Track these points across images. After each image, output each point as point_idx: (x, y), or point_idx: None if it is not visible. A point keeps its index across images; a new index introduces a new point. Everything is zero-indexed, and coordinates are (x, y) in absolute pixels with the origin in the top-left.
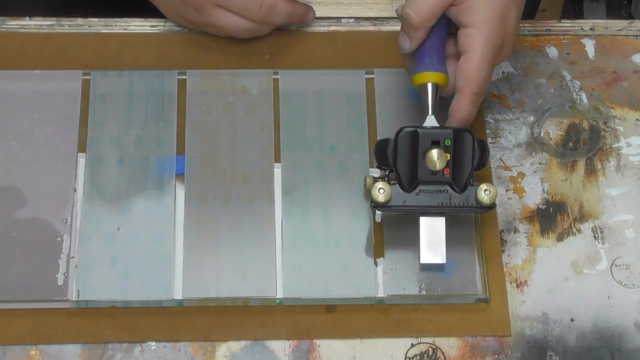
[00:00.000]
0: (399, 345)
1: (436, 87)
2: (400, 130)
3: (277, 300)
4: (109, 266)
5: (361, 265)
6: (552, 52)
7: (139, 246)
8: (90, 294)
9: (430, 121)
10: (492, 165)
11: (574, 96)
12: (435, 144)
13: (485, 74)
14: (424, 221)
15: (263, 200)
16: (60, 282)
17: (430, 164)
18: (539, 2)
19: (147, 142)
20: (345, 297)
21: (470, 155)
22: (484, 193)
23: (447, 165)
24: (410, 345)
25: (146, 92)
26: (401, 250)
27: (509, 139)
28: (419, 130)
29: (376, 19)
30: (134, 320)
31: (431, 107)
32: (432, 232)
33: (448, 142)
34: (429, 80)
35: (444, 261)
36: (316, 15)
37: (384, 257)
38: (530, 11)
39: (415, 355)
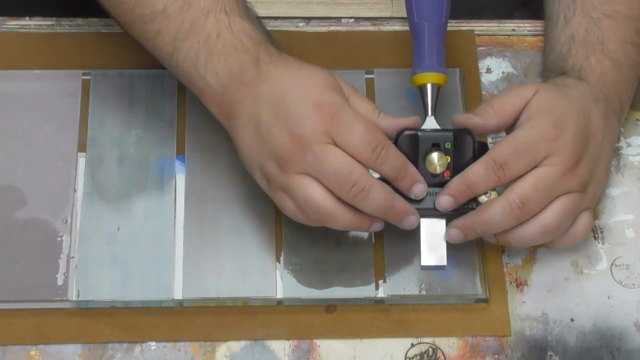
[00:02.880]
0: (399, 345)
1: (436, 88)
2: (400, 133)
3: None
4: (109, 266)
5: (361, 265)
6: None
7: (139, 246)
8: (90, 294)
9: (430, 122)
10: None
11: None
12: (436, 146)
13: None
14: (424, 224)
15: (263, 200)
16: (60, 282)
17: (430, 167)
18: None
19: (147, 142)
20: (345, 297)
21: (470, 158)
22: (485, 195)
23: (447, 168)
24: (410, 345)
25: (146, 92)
26: (401, 251)
27: None
28: (419, 133)
29: (376, 19)
30: (134, 320)
31: (431, 108)
32: (432, 234)
33: (448, 145)
34: (429, 80)
35: (445, 264)
36: (316, 16)
37: (383, 257)
38: (533, 11)
39: (415, 355)
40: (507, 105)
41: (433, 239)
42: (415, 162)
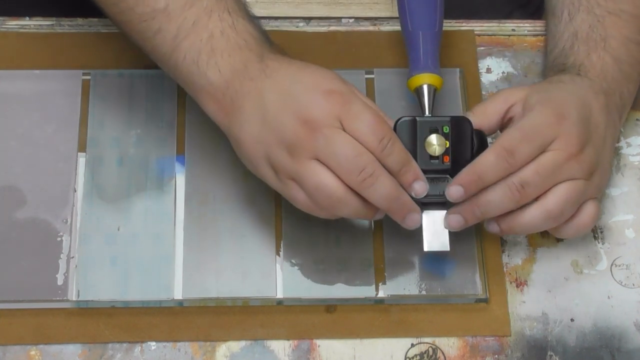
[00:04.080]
0: (399, 345)
1: (433, 90)
2: (398, 120)
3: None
4: (109, 266)
5: (361, 265)
6: None
7: (139, 246)
8: (90, 294)
9: None
10: None
11: None
12: (434, 132)
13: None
14: (426, 210)
15: (263, 200)
16: (60, 282)
17: (429, 149)
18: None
19: (147, 142)
20: (345, 297)
21: (469, 143)
22: None
23: (446, 153)
24: (410, 345)
25: (146, 92)
26: (401, 250)
27: None
28: (417, 118)
29: (376, 19)
30: (134, 320)
31: (428, 108)
32: (434, 221)
33: (447, 129)
34: (425, 82)
35: (448, 249)
36: (316, 16)
37: (383, 257)
38: (531, 13)
39: (415, 355)
40: (489, 107)
41: (435, 225)
42: (414, 149)
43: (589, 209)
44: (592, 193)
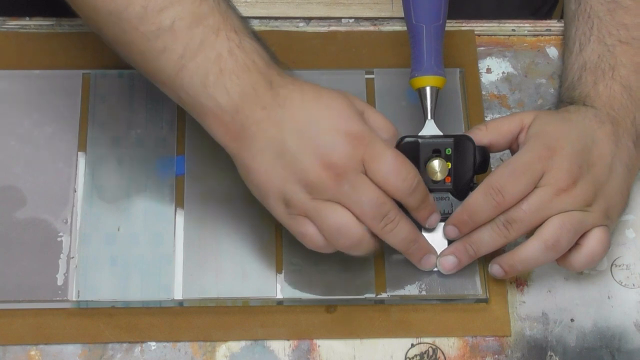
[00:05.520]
0: (399, 345)
1: (435, 91)
2: (401, 140)
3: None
4: (109, 266)
5: (361, 265)
6: (552, 52)
7: (139, 246)
8: (90, 294)
9: (430, 126)
10: (492, 166)
11: None
12: (436, 152)
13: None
14: (425, 229)
15: None
16: (60, 282)
17: (432, 175)
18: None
19: (147, 142)
20: (345, 297)
21: (471, 162)
22: None
23: (448, 174)
24: (410, 345)
25: (146, 92)
26: None
27: None
28: (419, 140)
29: (376, 19)
30: (134, 320)
31: (430, 112)
32: (433, 237)
33: (449, 151)
34: (428, 84)
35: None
36: (316, 16)
37: (383, 257)
38: (548, 11)
39: (415, 355)
40: (503, 125)
41: (434, 242)
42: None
43: (596, 236)
44: (596, 221)
